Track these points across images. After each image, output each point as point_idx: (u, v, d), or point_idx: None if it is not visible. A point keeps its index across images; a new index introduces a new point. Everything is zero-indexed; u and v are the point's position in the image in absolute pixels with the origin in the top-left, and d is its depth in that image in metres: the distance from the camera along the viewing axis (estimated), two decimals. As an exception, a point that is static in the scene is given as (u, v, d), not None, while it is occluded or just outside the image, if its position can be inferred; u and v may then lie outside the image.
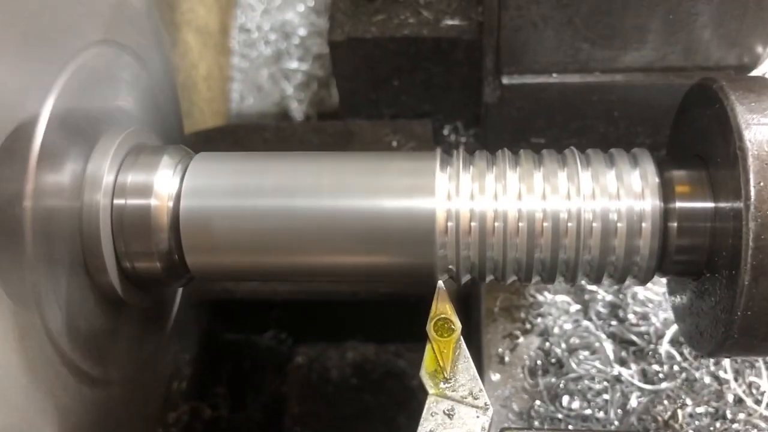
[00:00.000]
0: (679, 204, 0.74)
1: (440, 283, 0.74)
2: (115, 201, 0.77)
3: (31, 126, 0.68)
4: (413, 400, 1.54)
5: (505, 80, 1.02)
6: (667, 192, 0.74)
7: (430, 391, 0.70)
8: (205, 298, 1.33)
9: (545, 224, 0.73)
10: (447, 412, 0.69)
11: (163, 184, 0.78)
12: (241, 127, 1.37)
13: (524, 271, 0.76)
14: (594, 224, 0.74)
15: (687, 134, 0.80)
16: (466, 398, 0.69)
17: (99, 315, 0.79)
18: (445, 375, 0.70)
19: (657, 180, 0.75)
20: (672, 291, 0.86)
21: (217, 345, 1.45)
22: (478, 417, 0.68)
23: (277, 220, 0.75)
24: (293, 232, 0.75)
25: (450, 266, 0.75)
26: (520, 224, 0.73)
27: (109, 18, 0.83)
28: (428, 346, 0.71)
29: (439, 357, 0.70)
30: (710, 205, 0.73)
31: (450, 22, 1.15)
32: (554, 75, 1.02)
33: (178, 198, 0.77)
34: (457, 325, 0.72)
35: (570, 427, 0.97)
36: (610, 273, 0.76)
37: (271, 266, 0.78)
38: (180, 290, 1.00)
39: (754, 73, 1.00)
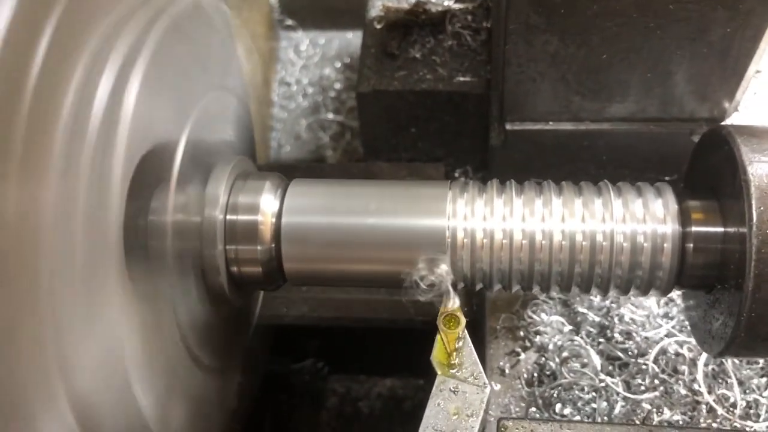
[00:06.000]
0: (695, 228, 0.86)
1: (448, 286, 0.89)
2: (228, 217, 0.92)
3: (172, 152, 0.83)
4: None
5: (508, 126, 1.14)
6: (685, 218, 0.87)
7: (439, 372, 0.83)
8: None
9: (584, 243, 0.86)
10: (452, 389, 0.82)
11: (268, 204, 0.92)
12: (276, 165, 1.51)
13: (565, 283, 0.89)
14: (625, 244, 0.86)
15: (701, 171, 0.93)
16: (468, 378, 0.83)
17: (208, 310, 0.94)
18: (451, 360, 0.84)
19: (677, 208, 0.87)
20: (688, 304, 0.99)
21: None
22: (477, 393, 0.81)
23: (352, 234, 0.90)
24: (361, 244, 0.90)
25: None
26: (563, 243, 0.86)
27: (223, 68, 1.00)
28: (438, 337, 0.85)
29: (447, 345, 0.84)
30: (720, 229, 0.85)
31: (462, 79, 1.27)
32: (550, 123, 1.13)
33: (279, 215, 0.92)
34: (462, 319, 0.85)
35: (561, 429, 1.09)
36: (637, 285, 0.88)
37: (345, 273, 0.93)
38: (260, 299, 1.16)
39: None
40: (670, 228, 0.86)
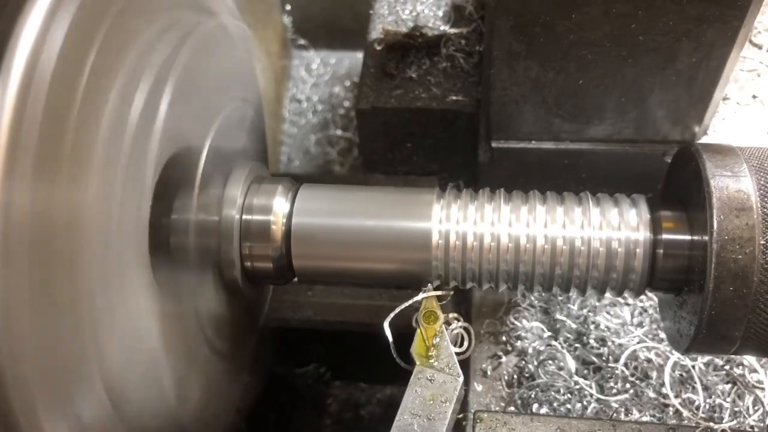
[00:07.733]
0: (665, 236, 0.94)
1: (429, 285, 0.97)
2: (244, 216, 1.00)
3: (197, 157, 0.92)
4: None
5: (494, 144, 1.20)
6: (656, 227, 0.94)
7: (418, 363, 0.92)
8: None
9: (564, 247, 0.94)
10: (429, 378, 0.90)
11: (279, 206, 1.00)
12: (283, 174, 1.58)
13: (547, 283, 0.97)
14: (600, 249, 0.94)
15: (673, 186, 1.01)
16: (443, 369, 0.91)
17: (224, 301, 1.02)
18: (429, 352, 0.92)
19: (648, 217, 0.94)
20: (661, 307, 1.07)
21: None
22: (452, 382, 0.89)
23: (355, 235, 0.99)
24: (362, 244, 0.99)
25: (440, 274, 0.98)
26: (546, 246, 0.94)
27: (242, 82, 1.09)
28: (417, 331, 0.93)
29: (426, 339, 0.93)
30: (688, 237, 0.92)
31: (454, 98, 1.33)
32: (533, 142, 1.19)
33: (290, 217, 0.99)
34: (440, 316, 0.94)
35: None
36: (612, 286, 0.96)
37: (348, 271, 1.02)
38: (269, 295, 1.24)
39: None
40: (642, 235, 0.94)
